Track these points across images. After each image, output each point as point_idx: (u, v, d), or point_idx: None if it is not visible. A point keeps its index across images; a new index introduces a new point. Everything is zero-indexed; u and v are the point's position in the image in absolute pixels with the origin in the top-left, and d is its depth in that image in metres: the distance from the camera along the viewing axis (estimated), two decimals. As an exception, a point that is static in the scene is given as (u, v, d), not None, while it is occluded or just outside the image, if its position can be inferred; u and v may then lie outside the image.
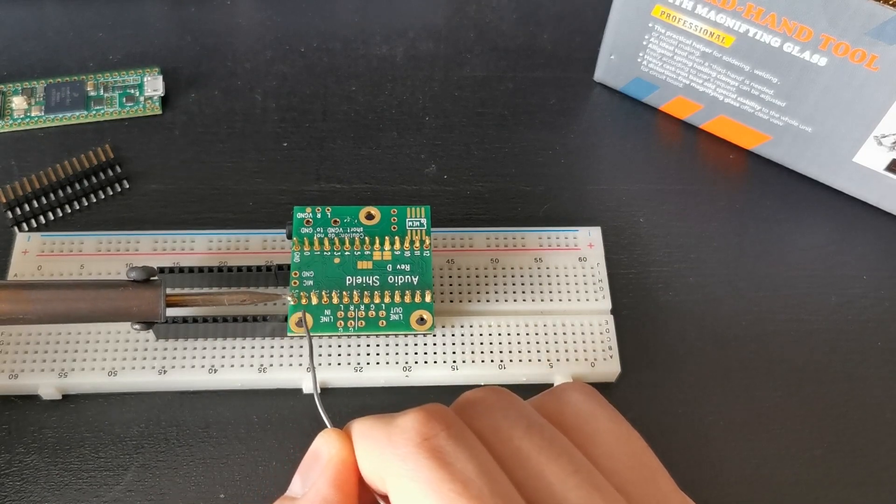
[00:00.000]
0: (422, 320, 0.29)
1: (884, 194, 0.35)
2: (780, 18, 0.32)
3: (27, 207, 0.34)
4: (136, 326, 0.28)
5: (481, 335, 0.31)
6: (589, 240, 0.33)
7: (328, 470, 0.19)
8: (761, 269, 0.34)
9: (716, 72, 0.35)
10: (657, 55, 0.36)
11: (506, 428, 0.18)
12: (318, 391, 0.21)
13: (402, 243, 0.31)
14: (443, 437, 0.17)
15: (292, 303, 0.29)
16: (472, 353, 0.30)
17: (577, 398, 0.20)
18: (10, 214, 0.34)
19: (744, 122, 0.36)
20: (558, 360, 0.30)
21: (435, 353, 0.30)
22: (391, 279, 0.30)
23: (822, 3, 0.30)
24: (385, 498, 0.19)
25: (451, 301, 0.32)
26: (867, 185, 0.35)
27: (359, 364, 0.30)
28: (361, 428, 0.19)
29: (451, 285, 0.32)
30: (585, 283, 0.32)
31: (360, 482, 0.19)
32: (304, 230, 0.31)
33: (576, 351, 0.31)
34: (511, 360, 0.30)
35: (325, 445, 0.19)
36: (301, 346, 0.30)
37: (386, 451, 0.18)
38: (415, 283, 0.30)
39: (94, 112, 0.37)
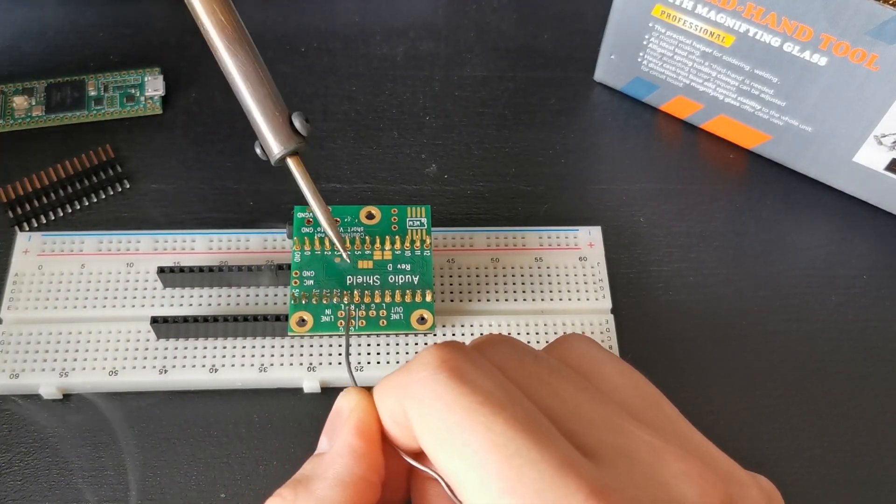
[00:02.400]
0: (422, 320, 0.29)
1: (884, 194, 0.35)
2: (780, 18, 0.32)
3: (28, 207, 0.34)
4: None
5: (482, 334, 0.31)
6: (589, 239, 0.33)
7: (351, 420, 0.20)
8: (761, 268, 0.34)
9: (716, 71, 0.35)
10: (657, 55, 0.36)
11: (517, 358, 0.19)
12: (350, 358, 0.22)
13: (402, 243, 0.31)
14: (459, 359, 0.18)
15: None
16: (473, 352, 0.30)
17: (577, 343, 0.21)
18: (10, 214, 0.34)
19: (744, 121, 0.36)
20: (559, 359, 0.30)
21: (435, 352, 0.30)
22: (392, 279, 0.30)
23: (822, 2, 0.30)
24: (413, 454, 0.19)
25: (452, 300, 0.32)
26: (867, 185, 0.35)
27: (359, 363, 0.30)
28: (380, 381, 0.20)
29: (451, 285, 0.32)
30: (586, 283, 0.32)
31: (385, 443, 0.20)
32: (305, 230, 0.31)
33: (576, 350, 0.31)
34: (511, 360, 0.30)
35: (346, 401, 0.20)
36: (301, 346, 0.30)
37: (406, 382, 0.18)
38: (415, 282, 0.30)
39: (94, 112, 0.37)
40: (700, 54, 0.35)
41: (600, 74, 0.39)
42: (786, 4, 0.31)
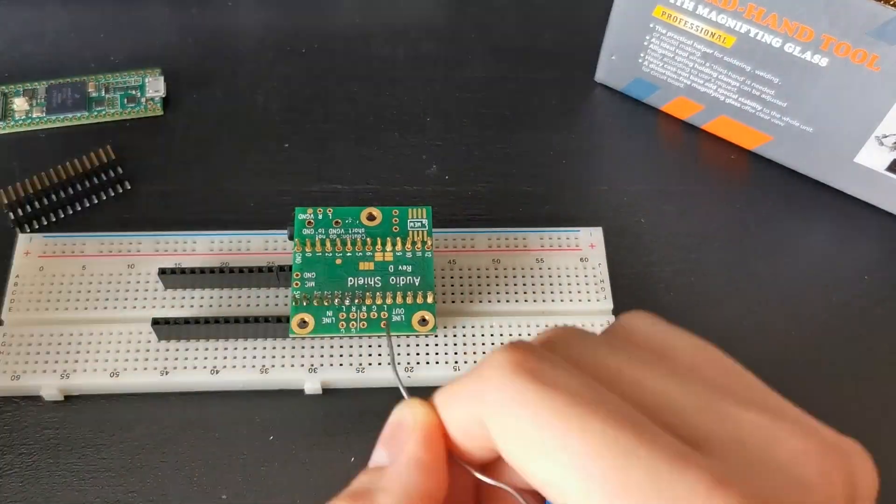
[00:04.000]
0: (424, 321, 0.29)
1: (885, 195, 0.35)
2: (781, 19, 0.32)
3: (29, 209, 0.34)
4: None
5: (483, 335, 0.31)
6: (590, 240, 0.33)
7: (416, 433, 0.19)
8: (762, 269, 0.34)
9: (717, 72, 0.35)
10: (658, 56, 0.36)
11: (589, 352, 0.18)
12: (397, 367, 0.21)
13: (403, 244, 0.31)
14: (535, 360, 0.17)
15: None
16: (474, 353, 0.30)
17: (640, 322, 0.20)
18: (11, 215, 0.34)
19: (745, 122, 0.36)
20: (560, 360, 0.30)
21: (437, 353, 0.30)
22: (393, 280, 0.30)
23: (824, 3, 0.30)
24: (483, 466, 0.19)
25: (453, 302, 0.32)
26: (868, 186, 0.35)
27: (360, 365, 0.30)
28: (443, 391, 0.19)
29: (452, 286, 0.32)
30: (587, 284, 0.32)
31: (450, 456, 0.19)
32: (306, 231, 0.31)
33: (577, 351, 0.31)
34: (513, 361, 0.30)
35: (409, 413, 0.19)
36: (303, 347, 0.30)
37: (480, 390, 0.17)
38: (416, 284, 0.30)
39: (95, 113, 0.37)
40: (701, 55, 0.35)
41: (601, 75, 0.39)
42: (787, 5, 0.31)
